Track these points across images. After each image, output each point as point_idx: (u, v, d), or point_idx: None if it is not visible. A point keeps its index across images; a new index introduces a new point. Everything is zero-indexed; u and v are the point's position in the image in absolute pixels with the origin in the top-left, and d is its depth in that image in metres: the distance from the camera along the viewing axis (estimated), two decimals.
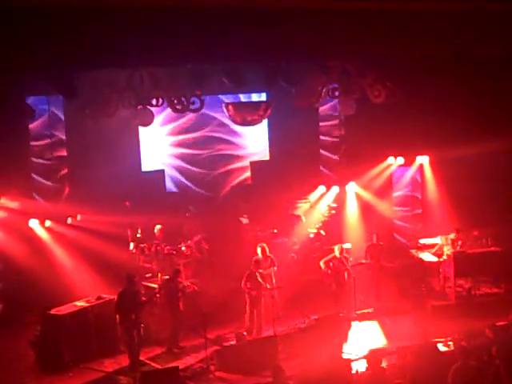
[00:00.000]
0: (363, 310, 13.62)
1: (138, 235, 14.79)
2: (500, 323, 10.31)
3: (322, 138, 17.50)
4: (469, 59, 13.58)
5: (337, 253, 13.57)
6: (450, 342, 10.70)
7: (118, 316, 11.56)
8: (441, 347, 10.27)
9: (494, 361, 8.81)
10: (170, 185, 16.69)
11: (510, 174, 15.63)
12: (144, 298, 11.87)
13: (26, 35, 10.26)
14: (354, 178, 16.72)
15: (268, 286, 12.69)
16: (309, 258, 15.07)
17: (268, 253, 13.52)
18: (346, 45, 12.23)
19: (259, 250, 13.50)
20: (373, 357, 8.92)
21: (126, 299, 11.51)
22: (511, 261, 13.80)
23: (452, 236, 14.25)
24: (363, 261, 13.95)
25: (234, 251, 14.72)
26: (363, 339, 12.39)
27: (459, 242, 13.97)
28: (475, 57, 13.34)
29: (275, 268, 13.46)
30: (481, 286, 13.83)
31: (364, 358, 9.54)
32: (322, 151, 17.54)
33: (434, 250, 14.37)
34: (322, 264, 13.59)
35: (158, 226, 14.91)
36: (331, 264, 13.52)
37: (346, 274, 13.55)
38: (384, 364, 9.27)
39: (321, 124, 17.44)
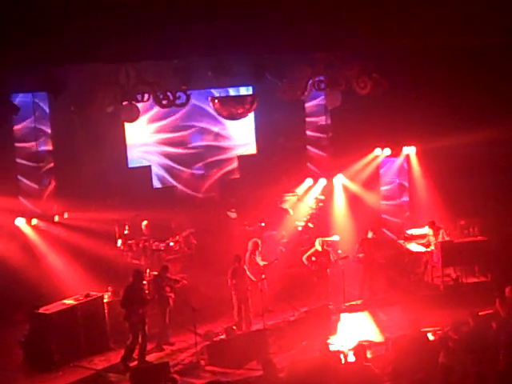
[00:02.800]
0: (352, 302, 13.66)
1: (126, 231, 14.75)
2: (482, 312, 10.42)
3: (308, 130, 17.50)
4: (456, 50, 13.60)
5: (318, 247, 13.57)
6: (439, 332, 10.79)
7: (123, 311, 11.48)
8: (430, 337, 10.34)
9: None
10: (156, 181, 16.64)
11: (496, 165, 15.72)
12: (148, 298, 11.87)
13: (9, 32, 10.16)
14: (341, 169, 16.76)
15: (254, 279, 12.66)
16: (297, 250, 15.08)
17: (260, 249, 13.52)
18: (332, 36, 12.20)
19: (250, 245, 13.47)
20: (359, 349, 8.99)
21: (133, 294, 11.44)
22: (497, 250, 13.91)
23: (427, 230, 14.33)
24: (360, 255, 13.90)
25: (223, 246, 14.71)
26: (352, 331, 12.43)
27: (441, 233, 14.01)
28: (463, 47, 13.37)
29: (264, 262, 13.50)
30: (468, 275, 13.90)
31: (351, 350, 9.58)
32: (308, 144, 17.54)
33: (425, 240, 14.40)
34: (304, 260, 13.60)
35: (145, 222, 14.88)
36: (313, 258, 13.53)
37: (327, 267, 13.57)
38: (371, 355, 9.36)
39: (307, 117, 17.44)
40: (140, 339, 11.47)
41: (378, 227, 16.03)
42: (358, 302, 13.72)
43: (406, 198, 17.28)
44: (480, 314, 10.21)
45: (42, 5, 10.03)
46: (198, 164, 16.91)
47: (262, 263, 13.40)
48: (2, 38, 10.17)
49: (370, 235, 14.04)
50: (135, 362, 11.45)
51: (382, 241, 15.27)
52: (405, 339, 9.59)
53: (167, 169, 16.70)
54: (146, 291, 12.28)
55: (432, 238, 14.10)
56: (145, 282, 12.95)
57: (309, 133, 17.48)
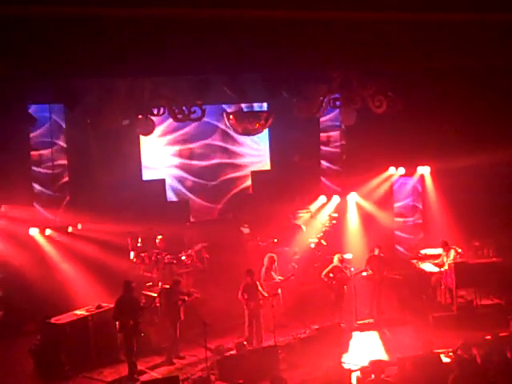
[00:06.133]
0: (364, 321, 13.57)
1: (139, 244, 14.78)
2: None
3: (322, 148, 17.53)
4: (471, 70, 13.60)
5: (337, 262, 13.52)
6: (451, 353, 10.67)
7: (117, 323, 11.52)
8: (443, 358, 10.22)
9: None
10: (170, 194, 16.69)
11: (511, 185, 15.62)
12: (142, 305, 11.85)
13: (27, 45, 10.26)
14: (354, 188, 16.73)
15: (265, 295, 12.61)
16: (310, 267, 15.04)
17: (276, 264, 13.50)
18: (348, 55, 12.21)
19: (266, 260, 13.44)
20: (376, 367, 8.91)
21: (123, 306, 11.47)
22: None
23: (440, 251, 14.25)
24: (364, 273, 13.84)
25: (235, 260, 14.68)
26: (364, 350, 12.34)
27: (451, 254, 13.92)
28: (477, 68, 13.36)
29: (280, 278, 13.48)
30: (482, 296, 13.76)
31: (367, 368, 9.48)
32: (322, 161, 17.56)
33: (439, 260, 14.30)
34: (323, 277, 13.52)
35: (160, 236, 14.88)
36: (331, 275, 13.48)
37: (345, 284, 13.54)
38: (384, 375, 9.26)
39: (322, 134, 17.47)
40: (135, 348, 11.47)
41: (388, 245, 15.99)
42: (370, 320, 13.62)
43: (419, 219, 17.21)
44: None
45: (60, 19, 10.13)
46: (211, 179, 16.93)
47: (278, 278, 13.38)
48: (20, 51, 10.28)
49: (376, 252, 13.97)
50: (145, 374, 11.41)
51: (391, 259, 15.20)
52: (418, 360, 9.49)
53: (181, 183, 16.74)
54: (142, 301, 12.44)
55: (446, 259, 14.00)
56: (155, 295, 12.98)
57: (323, 147, 17.49)
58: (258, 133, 15.40)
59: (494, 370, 9.06)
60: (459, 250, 14.21)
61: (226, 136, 16.83)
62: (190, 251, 14.88)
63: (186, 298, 12.20)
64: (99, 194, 15.00)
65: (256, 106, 16.48)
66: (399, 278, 14.50)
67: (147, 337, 12.13)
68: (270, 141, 17.10)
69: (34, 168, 14.85)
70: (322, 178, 17.53)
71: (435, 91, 15.14)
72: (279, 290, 13.22)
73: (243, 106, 16.32)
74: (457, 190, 15.69)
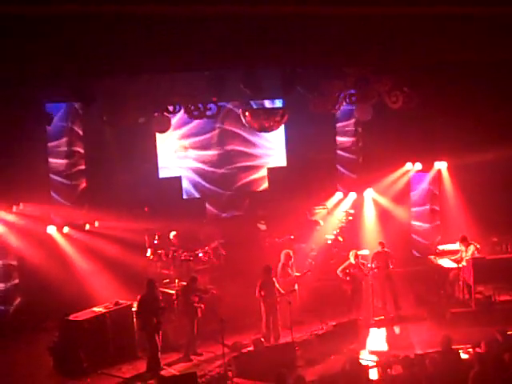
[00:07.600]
0: (381, 317, 13.52)
1: (156, 241, 14.83)
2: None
3: (338, 144, 17.45)
4: (487, 64, 13.47)
5: (352, 259, 13.51)
6: (470, 350, 10.59)
7: (138, 321, 11.57)
8: (462, 354, 10.14)
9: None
10: (186, 191, 16.70)
11: None
12: (163, 304, 11.90)
13: (44, 43, 10.32)
14: (371, 184, 16.67)
15: (282, 292, 12.60)
16: (326, 264, 15.01)
17: (292, 260, 13.50)
18: (364, 51, 12.16)
19: (283, 256, 13.44)
20: (405, 361, 8.91)
21: (146, 304, 11.53)
22: None
23: (459, 246, 14.15)
24: (374, 270, 13.82)
25: (252, 257, 14.70)
26: (381, 346, 12.29)
27: (470, 249, 13.81)
28: (494, 62, 13.23)
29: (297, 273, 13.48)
30: (500, 292, 13.65)
31: (395, 361, 9.47)
32: (339, 158, 17.48)
33: (457, 256, 14.18)
34: (339, 273, 13.53)
35: (173, 233, 14.94)
36: (348, 271, 13.46)
37: (362, 280, 13.51)
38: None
39: (338, 130, 17.40)
40: (159, 345, 11.52)
41: (406, 240, 15.90)
42: (381, 317, 13.56)
43: (436, 214, 17.09)
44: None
45: (75, 17, 10.17)
46: (227, 176, 16.93)
47: (294, 274, 13.38)
48: (37, 50, 10.34)
49: (380, 249, 13.91)
50: (163, 371, 11.48)
51: (411, 253, 15.07)
52: (437, 356, 9.43)
53: (197, 180, 16.77)
54: (161, 299, 12.41)
55: (465, 254, 13.90)
56: (172, 292, 13.02)
57: (339, 144, 17.41)
58: (274, 129, 15.34)
59: None
60: (478, 246, 14.10)
61: (241, 132, 16.80)
62: (206, 248, 14.91)
63: (202, 306, 12.18)
64: (116, 191, 15.08)
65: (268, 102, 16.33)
66: (403, 272, 14.35)
67: (164, 334, 12.14)
68: (285, 137, 17.08)
69: (52, 165, 14.90)
70: (339, 174, 17.43)
71: (452, 86, 15.00)
72: (296, 287, 13.22)
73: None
74: (474, 186, 15.58)
